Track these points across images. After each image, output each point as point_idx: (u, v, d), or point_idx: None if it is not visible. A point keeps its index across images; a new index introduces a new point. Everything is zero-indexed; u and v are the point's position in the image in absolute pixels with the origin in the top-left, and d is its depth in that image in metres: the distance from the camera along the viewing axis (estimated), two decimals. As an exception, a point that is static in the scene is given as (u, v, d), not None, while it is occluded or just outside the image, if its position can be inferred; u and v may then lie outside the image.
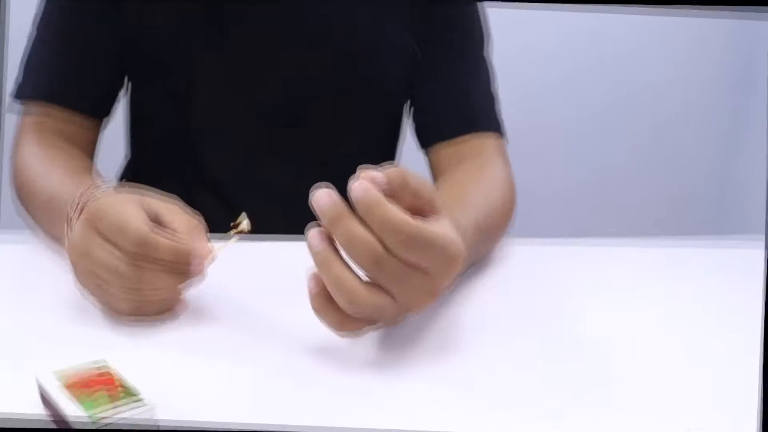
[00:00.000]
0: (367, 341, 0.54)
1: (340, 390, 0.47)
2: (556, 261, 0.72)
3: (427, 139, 0.86)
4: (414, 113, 0.89)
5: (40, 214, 0.69)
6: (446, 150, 0.83)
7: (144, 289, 0.50)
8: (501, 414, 0.46)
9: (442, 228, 0.46)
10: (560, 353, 0.54)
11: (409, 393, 0.48)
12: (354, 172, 0.92)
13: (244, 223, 0.55)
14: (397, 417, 0.45)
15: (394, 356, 0.53)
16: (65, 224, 0.57)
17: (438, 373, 0.51)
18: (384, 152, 0.95)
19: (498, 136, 0.85)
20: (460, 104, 0.85)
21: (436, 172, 0.84)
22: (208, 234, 0.55)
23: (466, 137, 0.83)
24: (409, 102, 0.90)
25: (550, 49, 1.82)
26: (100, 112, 0.84)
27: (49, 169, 0.70)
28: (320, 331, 0.54)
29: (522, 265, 0.71)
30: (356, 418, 0.44)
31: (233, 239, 0.55)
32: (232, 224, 0.55)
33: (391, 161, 0.97)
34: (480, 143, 0.83)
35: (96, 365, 0.43)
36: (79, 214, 0.54)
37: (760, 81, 1.88)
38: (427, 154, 0.86)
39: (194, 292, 0.55)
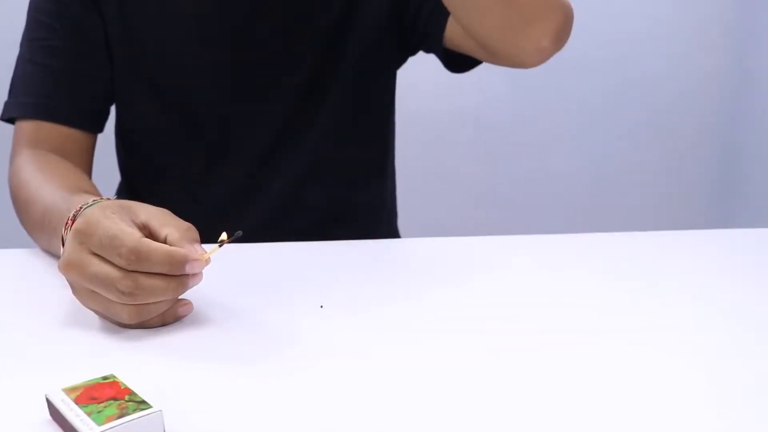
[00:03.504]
0: (381, 343, 0.54)
1: (346, 394, 0.48)
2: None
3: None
4: (427, 19, 0.86)
5: (36, 232, 0.70)
6: None
7: (143, 297, 0.51)
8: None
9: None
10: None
11: (405, 395, 0.48)
12: (349, 151, 0.92)
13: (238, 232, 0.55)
14: (397, 419, 0.45)
15: (392, 356, 0.53)
16: (60, 244, 0.58)
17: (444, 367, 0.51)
18: (381, 126, 0.95)
19: None
20: None
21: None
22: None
23: None
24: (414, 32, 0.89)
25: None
26: (92, 126, 0.84)
27: (42, 188, 0.70)
28: (325, 333, 0.55)
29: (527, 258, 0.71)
30: (358, 420, 0.44)
31: (224, 240, 0.55)
32: (220, 239, 0.55)
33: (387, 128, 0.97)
34: None
35: (103, 377, 0.44)
36: None
37: (758, 72, 1.87)
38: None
39: (195, 295, 0.56)
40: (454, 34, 0.84)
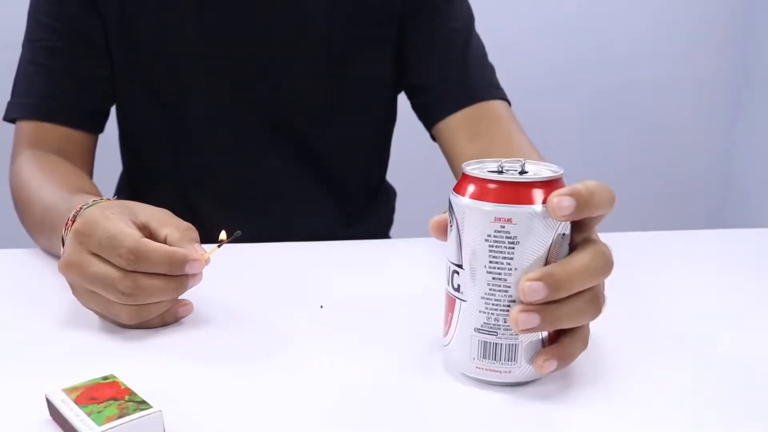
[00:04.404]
0: (380, 343, 0.54)
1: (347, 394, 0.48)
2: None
3: (435, 115, 0.85)
4: (415, 95, 0.88)
5: (36, 232, 0.70)
6: (458, 118, 0.83)
7: (142, 298, 0.50)
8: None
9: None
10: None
11: (407, 395, 0.48)
12: (342, 164, 0.92)
13: (237, 232, 0.55)
14: (397, 419, 0.45)
15: (392, 355, 0.53)
16: (60, 245, 0.58)
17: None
18: (375, 141, 0.94)
19: (506, 104, 0.86)
20: (463, 75, 0.84)
21: (449, 143, 0.84)
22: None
23: (477, 105, 0.83)
24: (406, 87, 0.90)
25: (549, 42, 1.79)
26: (92, 126, 0.84)
27: (42, 189, 0.70)
28: (326, 333, 0.55)
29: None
30: (358, 420, 0.44)
31: (224, 240, 0.55)
32: (219, 238, 0.55)
33: (384, 150, 0.97)
34: (494, 106, 0.84)
35: (103, 377, 0.44)
36: None
37: (758, 72, 1.87)
38: (435, 130, 0.86)
39: (195, 295, 0.56)
40: (442, 139, 0.85)
